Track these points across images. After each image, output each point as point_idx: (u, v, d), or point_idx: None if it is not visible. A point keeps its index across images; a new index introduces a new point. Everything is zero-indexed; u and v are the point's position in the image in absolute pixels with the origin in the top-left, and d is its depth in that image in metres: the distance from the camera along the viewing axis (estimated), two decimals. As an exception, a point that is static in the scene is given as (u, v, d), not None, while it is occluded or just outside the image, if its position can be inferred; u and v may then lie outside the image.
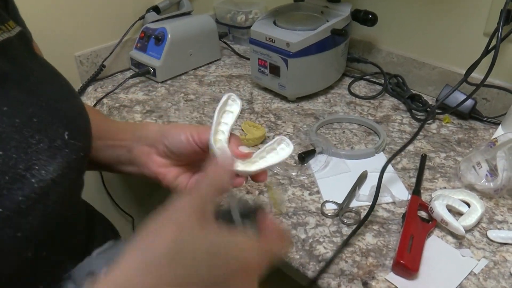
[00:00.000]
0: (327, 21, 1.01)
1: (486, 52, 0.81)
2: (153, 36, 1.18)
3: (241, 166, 0.45)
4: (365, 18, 1.03)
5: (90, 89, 1.17)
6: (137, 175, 0.56)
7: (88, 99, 1.13)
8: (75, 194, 0.50)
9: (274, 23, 1.04)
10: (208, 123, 0.99)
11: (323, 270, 0.62)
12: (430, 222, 0.69)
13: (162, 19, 1.24)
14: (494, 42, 0.81)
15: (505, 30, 0.81)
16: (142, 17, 1.26)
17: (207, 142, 0.47)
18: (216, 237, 0.33)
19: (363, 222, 0.67)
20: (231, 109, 0.48)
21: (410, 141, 0.75)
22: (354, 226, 0.70)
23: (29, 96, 0.40)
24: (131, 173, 0.57)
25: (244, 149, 0.46)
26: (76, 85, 1.16)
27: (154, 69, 1.16)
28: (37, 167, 0.38)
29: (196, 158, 0.50)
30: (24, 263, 0.40)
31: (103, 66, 1.18)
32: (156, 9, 1.25)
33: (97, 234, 0.61)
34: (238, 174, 0.45)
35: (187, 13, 1.30)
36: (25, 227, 0.37)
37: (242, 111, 1.01)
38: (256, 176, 0.47)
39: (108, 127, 0.59)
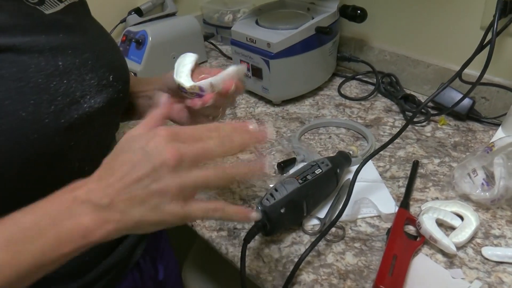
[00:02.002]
0: (312, 18, 0.95)
1: (481, 47, 0.74)
2: (134, 40, 1.13)
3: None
4: (353, 14, 0.96)
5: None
6: None
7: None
8: (112, 129, 0.63)
9: (256, 22, 0.98)
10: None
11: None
12: (418, 239, 0.63)
13: (144, 22, 1.19)
14: (490, 36, 0.73)
15: (502, 23, 0.74)
16: (124, 20, 1.21)
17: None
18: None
19: (319, 240, 0.60)
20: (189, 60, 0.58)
21: (390, 141, 0.69)
22: (335, 243, 0.63)
23: (86, 45, 0.53)
24: None
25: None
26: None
27: (135, 74, 1.11)
28: (88, 97, 0.51)
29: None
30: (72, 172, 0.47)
31: (84, 72, 1.14)
32: (138, 11, 1.21)
33: None
34: (202, 89, 0.54)
35: (172, 15, 1.25)
36: (78, 139, 0.50)
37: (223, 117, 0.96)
38: (223, 89, 0.55)
39: (138, 80, 0.74)
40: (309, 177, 0.65)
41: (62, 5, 0.52)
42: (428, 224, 0.62)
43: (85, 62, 0.51)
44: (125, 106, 0.64)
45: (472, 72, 0.83)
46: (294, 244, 0.64)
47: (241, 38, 0.95)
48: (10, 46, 0.44)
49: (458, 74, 0.75)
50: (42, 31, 0.48)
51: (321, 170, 0.67)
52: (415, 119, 0.90)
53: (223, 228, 0.68)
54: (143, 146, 0.40)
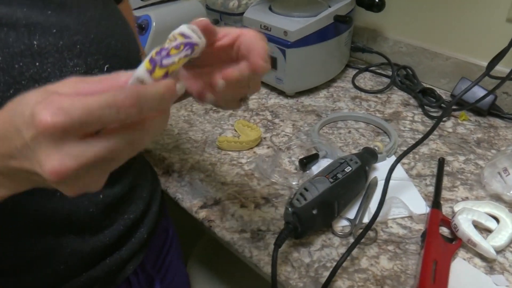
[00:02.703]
0: (329, 7, 0.90)
1: (514, 41, 0.71)
2: (136, 25, 1.07)
3: None
4: (371, 3, 0.92)
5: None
6: None
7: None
8: None
9: (270, 8, 0.93)
10: (197, 122, 0.88)
11: None
12: (454, 242, 0.60)
13: (146, 6, 1.13)
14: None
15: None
16: (124, 3, 1.15)
17: None
18: None
19: (354, 245, 0.56)
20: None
21: (422, 139, 0.66)
22: (368, 246, 0.60)
23: (80, 26, 0.46)
24: None
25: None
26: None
27: (137, 61, 1.05)
28: None
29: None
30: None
31: (81, 58, 1.07)
32: (139, -6, 1.14)
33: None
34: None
35: (174, -1, 1.18)
36: None
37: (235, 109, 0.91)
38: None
39: None
40: (339, 175, 0.62)
41: None
42: (465, 226, 0.59)
43: (72, 45, 0.45)
44: None
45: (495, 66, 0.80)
46: (324, 248, 0.60)
47: (255, 25, 0.90)
48: None
49: (488, 72, 0.71)
50: (25, 4, 0.42)
51: (351, 168, 0.63)
52: (435, 114, 0.87)
53: (246, 229, 0.64)
54: (22, 129, 0.28)
